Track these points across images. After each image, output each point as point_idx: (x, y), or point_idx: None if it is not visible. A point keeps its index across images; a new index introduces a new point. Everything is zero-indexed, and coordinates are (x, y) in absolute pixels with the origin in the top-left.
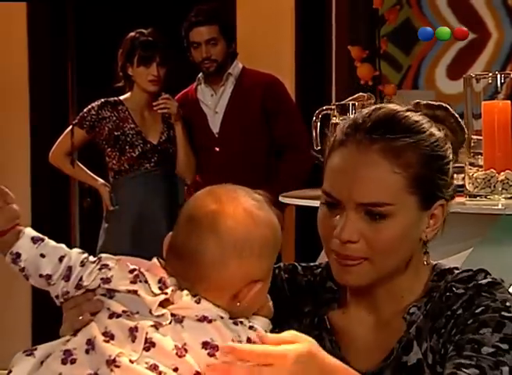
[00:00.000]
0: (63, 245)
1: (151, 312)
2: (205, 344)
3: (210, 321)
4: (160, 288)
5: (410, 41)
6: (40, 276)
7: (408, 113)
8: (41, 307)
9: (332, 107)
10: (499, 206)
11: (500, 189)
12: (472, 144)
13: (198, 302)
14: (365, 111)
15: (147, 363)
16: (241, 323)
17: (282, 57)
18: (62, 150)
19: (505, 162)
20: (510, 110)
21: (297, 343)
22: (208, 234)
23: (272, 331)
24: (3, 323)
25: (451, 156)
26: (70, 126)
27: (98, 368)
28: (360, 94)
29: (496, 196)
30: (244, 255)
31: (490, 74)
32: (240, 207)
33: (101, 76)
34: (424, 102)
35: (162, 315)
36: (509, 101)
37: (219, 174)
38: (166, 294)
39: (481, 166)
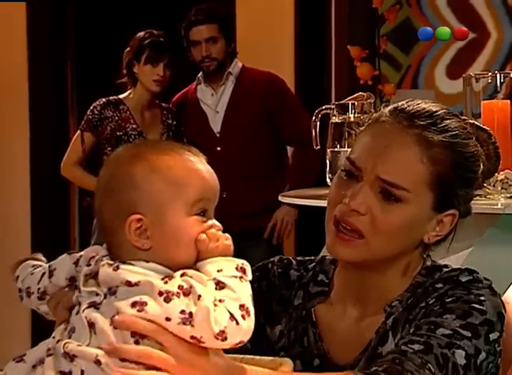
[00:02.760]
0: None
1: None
2: (134, 304)
3: (136, 284)
4: (88, 264)
5: (409, 40)
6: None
7: (456, 118)
8: None
9: (332, 106)
10: (499, 206)
11: (500, 189)
12: None
13: (116, 270)
14: (416, 100)
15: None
16: (170, 277)
17: (282, 56)
18: (72, 160)
19: (504, 162)
20: (509, 110)
21: None
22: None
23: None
24: (3, 323)
25: (479, 175)
26: (78, 133)
27: (70, 367)
28: (360, 93)
29: (496, 196)
30: (111, 195)
31: (489, 74)
32: (113, 154)
33: (101, 76)
34: (472, 121)
35: (93, 292)
36: (508, 101)
37: (221, 174)
38: (89, 265)
39: None
